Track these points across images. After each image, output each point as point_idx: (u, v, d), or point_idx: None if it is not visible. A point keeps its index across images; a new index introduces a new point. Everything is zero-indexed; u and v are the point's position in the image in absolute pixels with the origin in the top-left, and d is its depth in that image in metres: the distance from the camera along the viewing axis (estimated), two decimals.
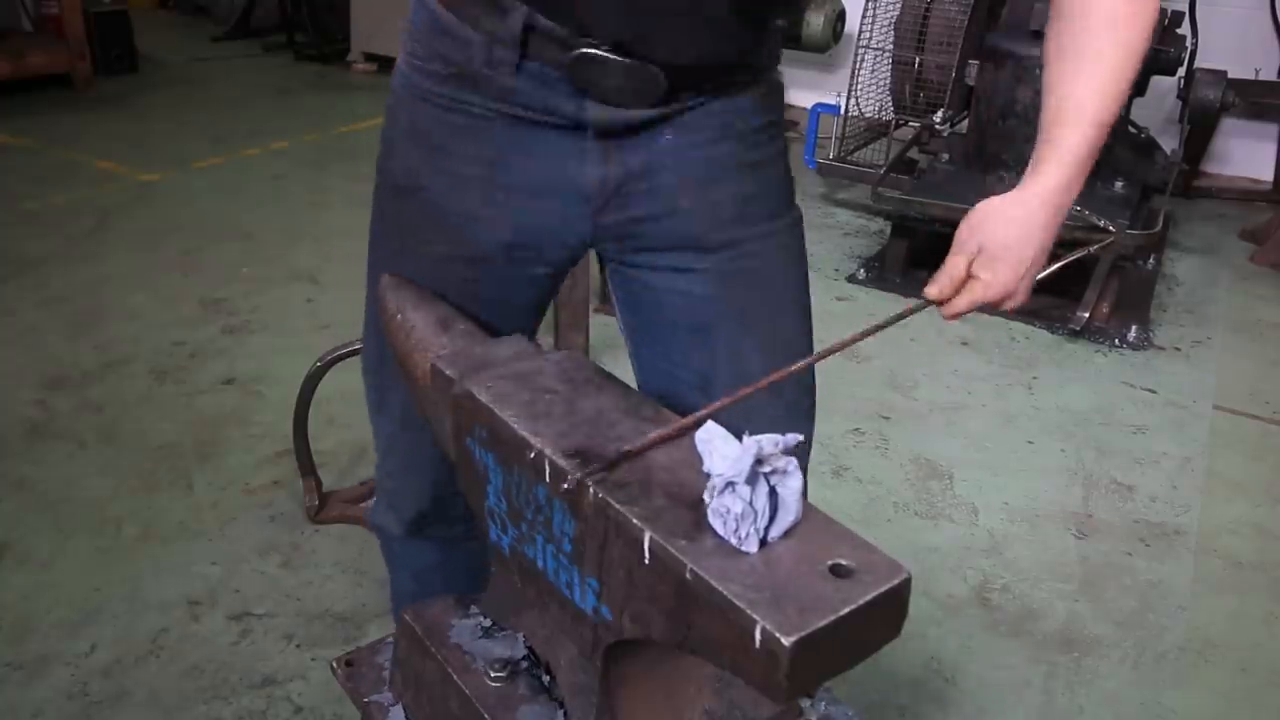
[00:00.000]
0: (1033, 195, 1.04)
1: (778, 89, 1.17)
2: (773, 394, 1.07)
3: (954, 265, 1.05)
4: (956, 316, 1.07)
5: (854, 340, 1.02)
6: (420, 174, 1.13)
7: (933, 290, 1.05)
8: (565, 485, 0.83)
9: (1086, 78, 1.02)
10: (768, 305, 1.17)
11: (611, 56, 0.99)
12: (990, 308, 1.08)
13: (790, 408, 1.20)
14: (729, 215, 1.12)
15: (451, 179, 1.10)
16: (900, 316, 1.05)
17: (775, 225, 1.16)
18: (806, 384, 1.23)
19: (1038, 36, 3.37)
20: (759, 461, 0.76)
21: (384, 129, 1.16)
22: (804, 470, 1.09)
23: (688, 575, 0.74)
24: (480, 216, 1.11)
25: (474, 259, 1.14)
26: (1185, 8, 4.27)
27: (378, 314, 1.17)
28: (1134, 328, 3.38)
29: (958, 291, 1.06)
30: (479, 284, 1.15)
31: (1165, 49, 3.83)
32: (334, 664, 1.16)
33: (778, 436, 0.78)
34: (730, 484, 0.76)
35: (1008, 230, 1.04)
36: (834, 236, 4.16)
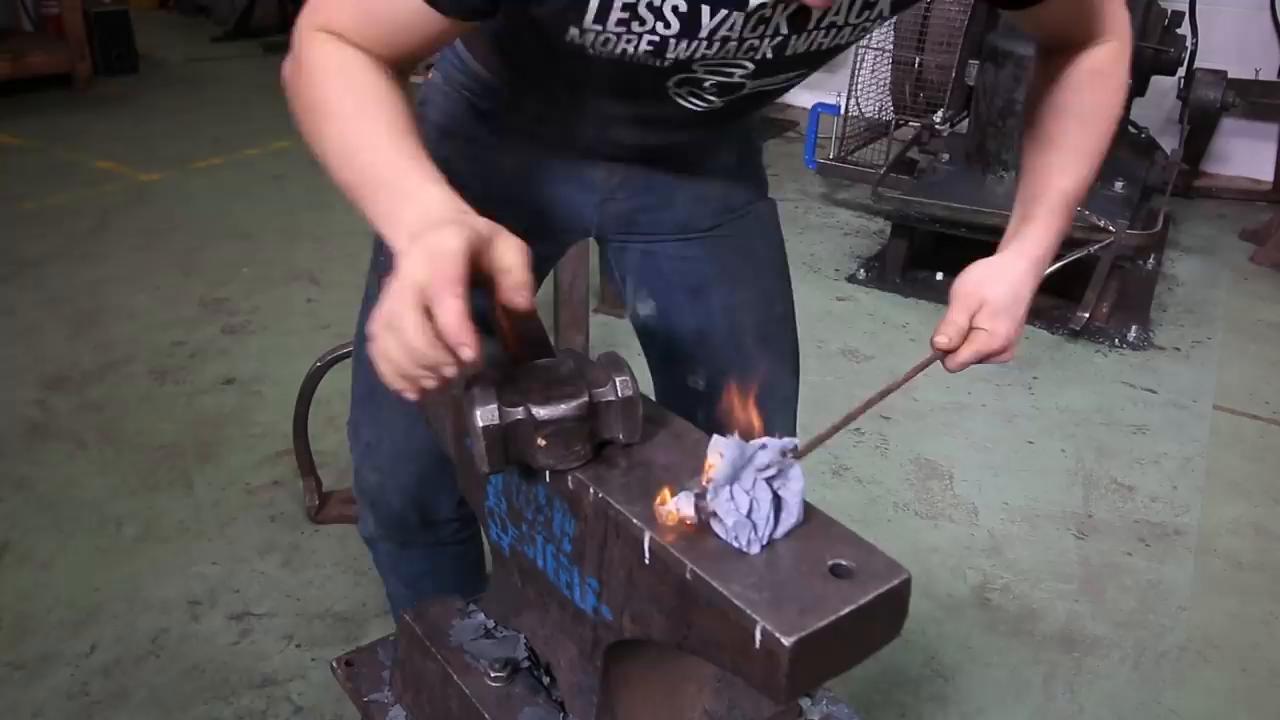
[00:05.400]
0: (1024, 259, 1.12)
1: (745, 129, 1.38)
2: (766, 348, 1.32)
3: (958, 318, 1.11)
4: (961, 368, 1.12)
5: (877, 399, 1.05)
6: (451, 162, 1.21)
7: (942, 340, 1.10)
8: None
9: (1063, 167, 1.12)
10: (753, 267, 1.34)
11: None
12: (985, 359, 1.13)
13: (783, 359, 1.38)
14: (716, 205, 1.30)
15: (478, 166, 1.22)
16: (915, 371, 1.09)
17: (754, 207, 1.34)
18: (794, 342, 1.41)
19: None
20: (760, 463, 0.76)
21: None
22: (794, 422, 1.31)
23: (688, 575, 0.74)
24: (503, 200, 1.20)
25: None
26: (1185, 8, 4.27)
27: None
28: (1134, 328, 3.38)
29: (963, 342, 1.11)
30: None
31: (1165, 49, 3.83)
32: (334, 664, 1.16)
33: (782, 439, 0.78)
34: (731, 485, 0.76)
35: (1006, 289, 1.11)
36: (834, 236, 4.16)
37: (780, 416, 1.33)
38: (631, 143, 1.19)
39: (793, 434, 1.24)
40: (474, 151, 1.23)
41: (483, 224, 0.82)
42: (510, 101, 1.19)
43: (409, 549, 1.41)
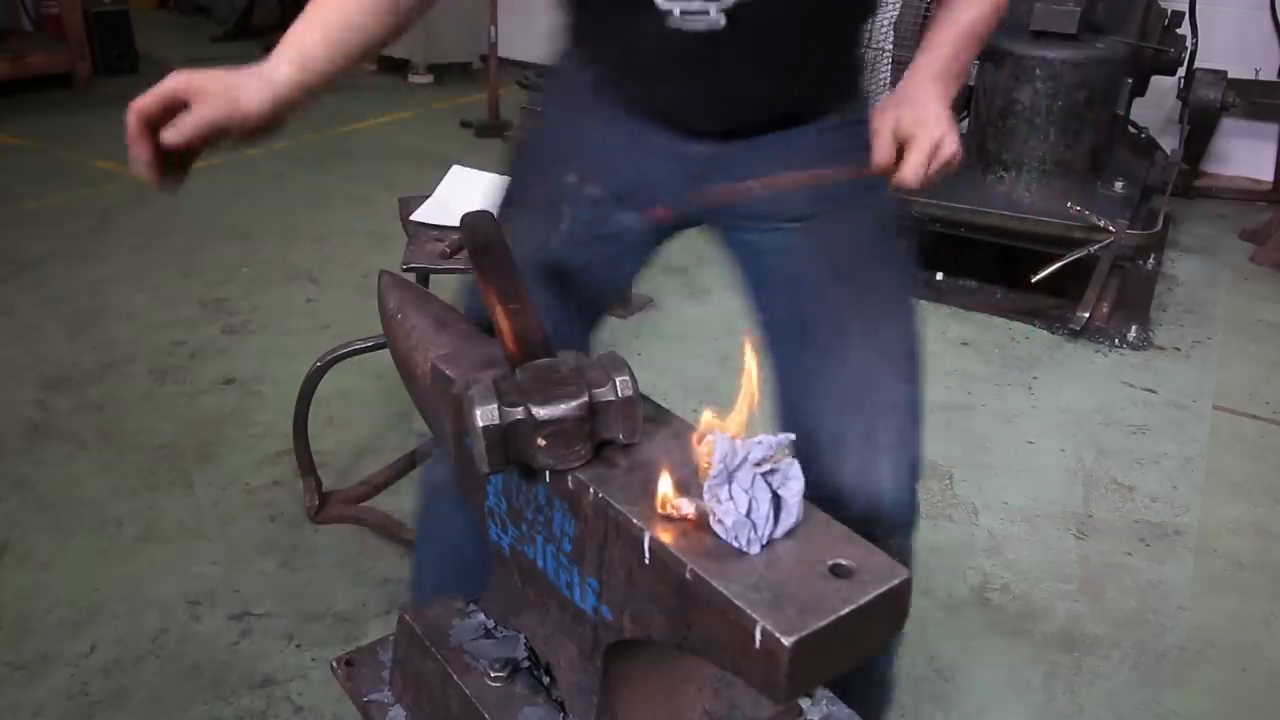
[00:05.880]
0: (916, 72, 1.25)
1: (860, 92, 1.33)
2: (868, 345, 1.25)
3: (880, 137, 1.20)
4: (920, 176, 1.18)
5: (816, 177, 1.19)
6: (561, 134, 1.34)
7: (880, 157, 1.20)
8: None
9: (963, 6, 1.27)
10: (851, 261, 1.27)
11: None
12: (935, 156, 1.19)
13: (891, 359, 1.31)
14: (808, 194, 1.24)
15: (582, 136, 1.30)
16: (853, 173, 1.20)
17: (853, 202, 1.26)
18: (908, 342, 1.33)
19: (1038, 36, 3.38)
20: (760, 463, 0.76)
21: (536, 99, 1.46)
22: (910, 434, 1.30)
23: (688, 575, 0.74)
24: (604, 170, 1.28)
25: (596, 198, 1.29)
26: (1185, 8, 4.27)
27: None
28: (1134, 328, 3.37)
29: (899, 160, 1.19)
30: (592, 224, 1.29)
31: (1165, 49, 3.83)
32: (334, 664, 1.16)
33: (779, 436, 0.78)
34: (731, 485, 0.76)
35: (908, 95, 1.23)
36: None
37: (888, 421, 1.28)
38: (706, 103, 1.21)
39: (908, 447, 1.28)
40: (579, 123, 1.29)
41: (218, 88, 1.04)
42: (593, 72, 1.26)
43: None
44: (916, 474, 1.28)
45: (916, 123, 1.19)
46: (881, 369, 1.26)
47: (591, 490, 0.83)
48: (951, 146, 1.19)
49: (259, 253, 3.72)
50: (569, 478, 0.85)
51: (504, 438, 0.83)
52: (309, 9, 1.13)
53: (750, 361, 0.84)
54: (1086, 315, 3.33)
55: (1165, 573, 2.28)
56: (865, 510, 1.22)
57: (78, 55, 5.66)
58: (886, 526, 1.24)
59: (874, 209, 1.29)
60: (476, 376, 0.88)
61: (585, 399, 0.83)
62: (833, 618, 0.70)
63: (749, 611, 0.70)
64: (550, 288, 1.24)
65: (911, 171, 1.18)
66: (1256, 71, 4.65)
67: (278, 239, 3.85)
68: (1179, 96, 4.38)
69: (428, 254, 2.11)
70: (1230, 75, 4.30)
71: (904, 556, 1.24)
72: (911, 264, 1.37)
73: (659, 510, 0.79)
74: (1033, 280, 3.32)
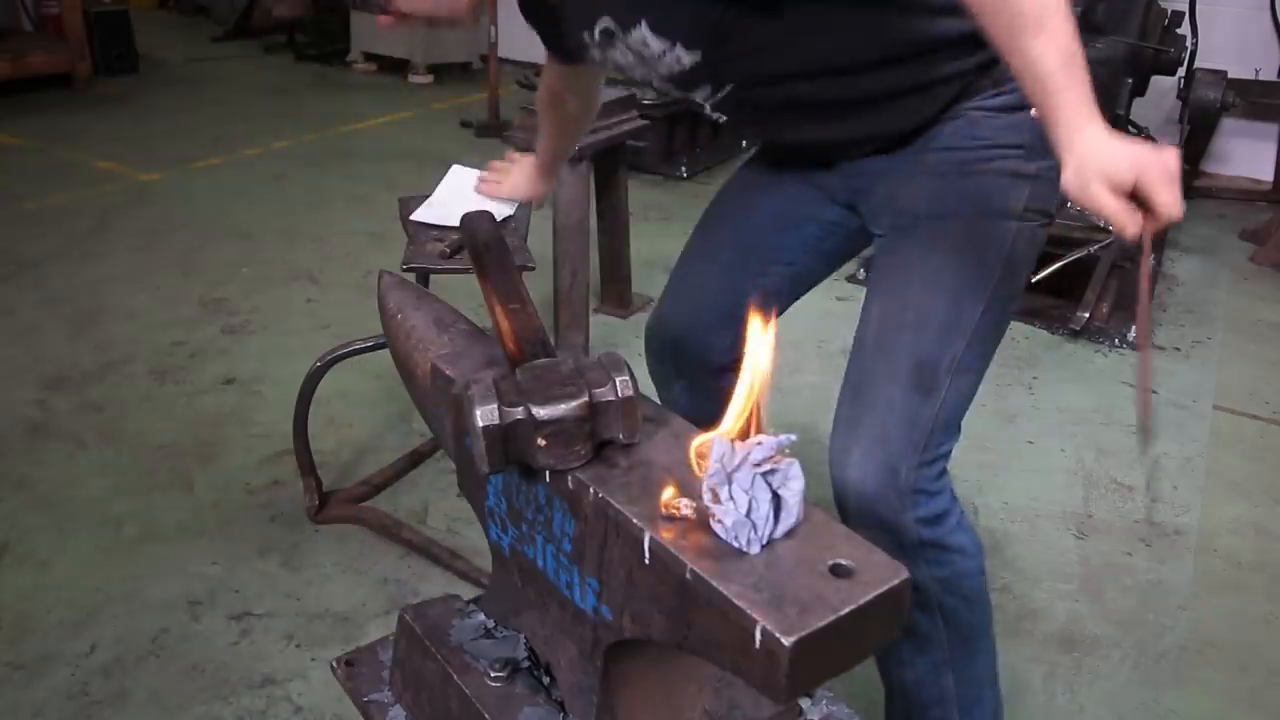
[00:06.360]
0: (1070, 127, 1.07)
1: (984, 120, 1.32)
2: (878, 353, 1.35)
3: (1111, 205, 1.06)
4: (1175, 209, 1.07)
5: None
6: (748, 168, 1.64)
7: (1132, 230, 1.06)
8: None
9: (1047, 50, 1.07)
10: (903, 279, 1.37)
11: None
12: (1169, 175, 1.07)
13: (893, 367, 1.33)
14: (900, 206, 1.37)
15: (753, 168, 1.60)
16: (1149, 289, 1.10)
17: (940, 224, 1.34)
18: (916, 355, 1.33)
19: None
20: (760, 463, 0.76)
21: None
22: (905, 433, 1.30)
23: (688, 575, 0.74)
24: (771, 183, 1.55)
25: (782, 167, 1.53)
26: (1185, 8, 4.27)
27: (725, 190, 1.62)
28: (1134, 328, 3.37)
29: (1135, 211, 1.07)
30: (792, 202, 1.51)
31: (1165, 49, 3.83)
32: (334, 664, 1.16)
33: (779, 436, 0.78)
34: (731, 485, 0.76)
35: (1100, 155, 1.06)
36: None
37: (874, 416, 1.31)
38: (787, 145, 1.48)
39: (888, 446, 1.28)
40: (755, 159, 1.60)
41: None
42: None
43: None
44: (896, 475, 1.28)
45: (1121, 168, 1.05)
46: (881, 371, 1.34)
47: (591, 490, 0.83)
48: (1169, 155, 1.07)
49: (259, 253, 3.72)
50: (569, 478, 0.85)
51: (504, 438, 0.83)
52: (543, 129, 1.86)
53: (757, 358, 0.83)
54: (1086, 315, 3.33)
55: (1165, 573, 2.28)
56: (836, 488, 1.31)
57: (78, 55, 5.66)
58: (852, 513, 1.29)
59: (949, 230, 1.34)
60: (476, 376, 0.88)
61: (585, 399, 0.83)
62: (833, 618, 0.70)
63: (749, 611, 0.70)
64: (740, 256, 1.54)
65: (1171, 208, 1.08)
66: (1256, 71, 4.65)
67: (278, 239, 3.85)
68: (1179, 96, 4.38)
69: (428, 254, 2.11)
70: (1230, 75, 4.30)
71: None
72: (1002, 293, 1.36)
73: (659, 510, 0.79)
74: (1033, 280, 3.32)
